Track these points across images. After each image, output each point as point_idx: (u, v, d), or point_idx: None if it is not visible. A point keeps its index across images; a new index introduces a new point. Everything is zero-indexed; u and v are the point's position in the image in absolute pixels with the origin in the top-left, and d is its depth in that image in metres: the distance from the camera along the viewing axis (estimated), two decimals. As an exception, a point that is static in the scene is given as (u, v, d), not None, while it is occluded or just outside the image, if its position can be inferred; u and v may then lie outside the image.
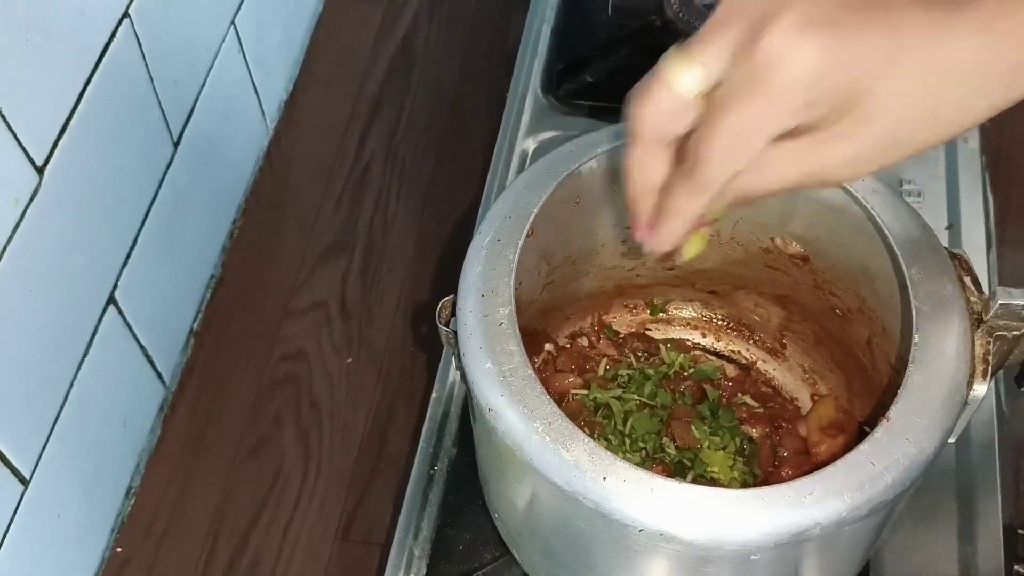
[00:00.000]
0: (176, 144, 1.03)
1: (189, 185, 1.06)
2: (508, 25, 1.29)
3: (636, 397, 0.80)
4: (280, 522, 1.00)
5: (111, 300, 0.94)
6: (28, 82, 0.79)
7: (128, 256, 0.96)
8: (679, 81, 0.51)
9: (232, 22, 1.12)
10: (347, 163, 1.23)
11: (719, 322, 0.89)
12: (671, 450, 0.78)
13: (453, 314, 0.67)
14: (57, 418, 0.88)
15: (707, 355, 0.88)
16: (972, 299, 0.66)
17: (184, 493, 1.02)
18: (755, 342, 0.88)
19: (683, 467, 0.77)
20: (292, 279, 1.15)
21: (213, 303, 1.13)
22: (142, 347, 1.01)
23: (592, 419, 0.79)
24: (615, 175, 0.75)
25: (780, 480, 0.70)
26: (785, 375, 0.87)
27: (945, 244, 0.70)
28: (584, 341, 0.87)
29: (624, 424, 0.78)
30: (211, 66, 1.08)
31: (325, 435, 1.05)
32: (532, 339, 0.80)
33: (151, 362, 1.03)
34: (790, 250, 0.78)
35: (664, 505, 0.59)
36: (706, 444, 0.78)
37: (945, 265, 0.67)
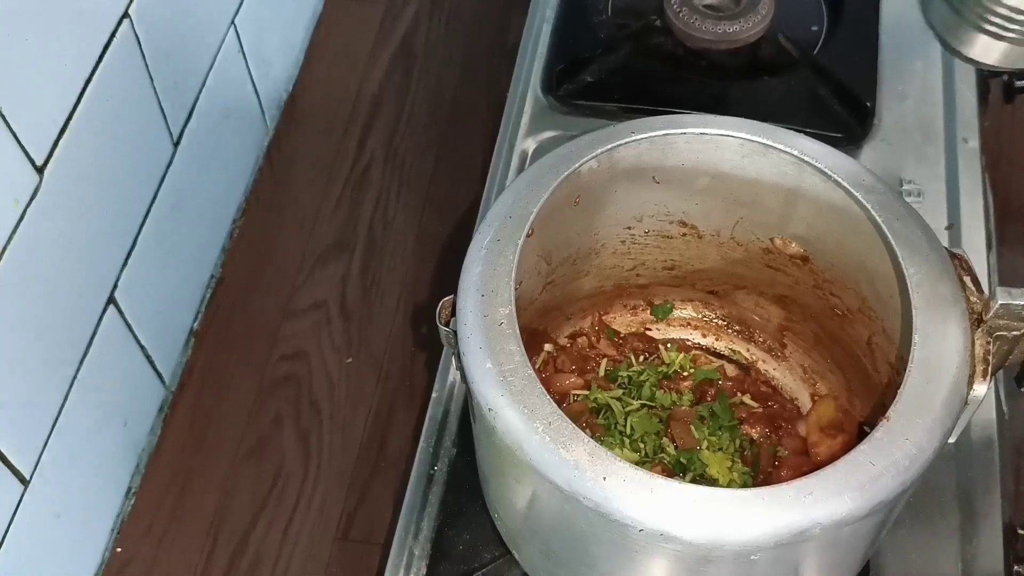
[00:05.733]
0: (176, 144, 1.03)
1: (189, 185, 1.06)
2: (508, 25, 1.29)
3: (635, 401, 0.80)
4: (280, 522, 1.00)
5: (111, 300, 0.94)
6: (28, 82, 0.78)
7: (128, 256, 0.96)
8: None
9: (232, 22, 1.11)
10: (347, 163, 1.23)
11: (719, 322, 0.89)
12: (671, 450, 0.77)
13: (453, 314, 0.67)
14: (57, 418, 0.88)
15: (707, 355, 0.88)
16: (972, 299, 0.66)
17: (184, 493, 1.02)
18: (755, 342, 0.88)
19: (683, 467, 0.77)
20: (292, 279, 1.15)
21: (213, 303, 1.13)
22: (142, 347, 1.01)
23: (593, 421, 0.79)
24: (615, 175, 0.75)
25: (780, 480, 0.70)
26: (785, 375, 0.87)
27: (945, 244, 0.70)
28: (584, 341, 0.87)
29: (624, 424, 0.78)
30: (211, 66, 1.08)
31: (325, 435, 1.05)
32: (532, 339, 0.80)
33: (151, 362, 1.03)
34: (790, 250, 0.78)
35: (664, 505, 0.59)
36: (705, 444, 0.78)
37: (945, 265, 0.67)
